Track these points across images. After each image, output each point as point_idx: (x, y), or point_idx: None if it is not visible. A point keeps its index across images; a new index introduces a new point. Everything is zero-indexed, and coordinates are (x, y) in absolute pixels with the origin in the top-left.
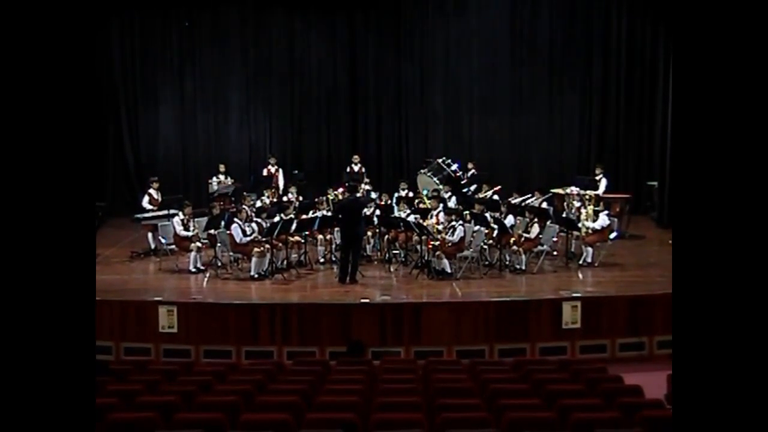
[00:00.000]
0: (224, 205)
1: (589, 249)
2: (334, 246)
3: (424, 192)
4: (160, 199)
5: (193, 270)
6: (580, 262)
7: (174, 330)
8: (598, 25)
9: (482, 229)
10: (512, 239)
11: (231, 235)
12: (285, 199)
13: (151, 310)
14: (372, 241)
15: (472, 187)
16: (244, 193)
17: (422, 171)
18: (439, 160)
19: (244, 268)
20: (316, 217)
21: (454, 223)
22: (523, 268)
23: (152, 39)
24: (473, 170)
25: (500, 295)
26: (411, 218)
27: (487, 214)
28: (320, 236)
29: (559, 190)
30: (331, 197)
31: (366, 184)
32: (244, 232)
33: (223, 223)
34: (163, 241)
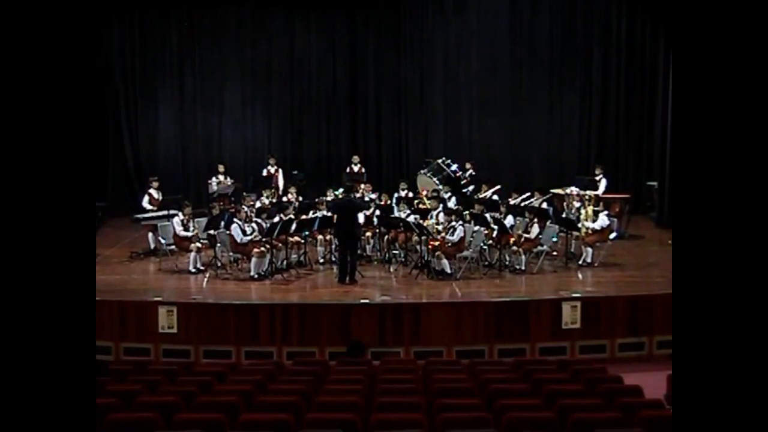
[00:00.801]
0: (224, 205)
1: (589, 249)
2: (333, 246)
3: (427, 189)
4: (160, 199)
5: (193, 270)
6: (580, 262)
7: (174, 330)
8: (597, 25)
9: (482, 229)
10: (512, 239)
11: (231, 236)
12: (285, 199)
13: (151, 311)
14: (372, 241)
15: (472, 188)
16: (244, 194)
17: (422, 171)
18: (439, 161)
19: (243, 268)
20: (316, 217)
21: (453, 223)
22: (523, 268)
23: (152, 39)
24: (471, 170)
25: (500, 295)
26: (411, 218)
27: (487, 215)
28: (320, 236)
29: (559, 191)
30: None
31: (365, 185)
32: (243, 232)
33: (222, 223)
34: (162, 241)
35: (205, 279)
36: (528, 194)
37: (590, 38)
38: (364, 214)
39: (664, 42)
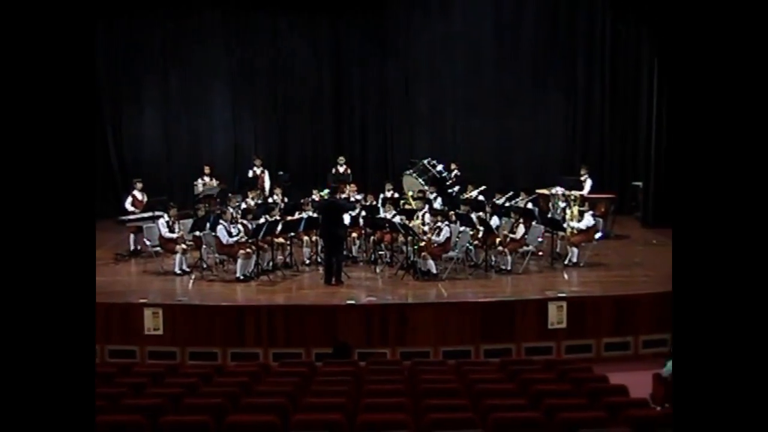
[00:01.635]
0: (209, 206)
1: (575, 249)
2: (319, 247)
3: (413, 189)
4: (144, 200)
5: (179, 272)
6: (566, 262)
7: (159, 332)
8: (581, 26)
9: (468, 229)
10: (498, 240)
11: (216, 237)
12: (270, 200)
13: (137, 313)
14: (358, 242)
15: (457, 188)
16: (230, 195)
17: (407, 172)
18: (425, 161)
19: (229, 269)
20: (302, 218)
21: (439, 223)
22: (509, 268)
23: (136, 40)
24: (457, 171)
25: (486, 295)
26: (396, 219)
27: (473, 215)
28: (306, 237)
29: (545, 191)
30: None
31: (351, 186)
32: (229, 233)
33: (208, 224)
34: (148, 243)
35: (191, 280)
36: (513, 194)
37: (574, 38)
38: (350, 215)
39: (648, 43)
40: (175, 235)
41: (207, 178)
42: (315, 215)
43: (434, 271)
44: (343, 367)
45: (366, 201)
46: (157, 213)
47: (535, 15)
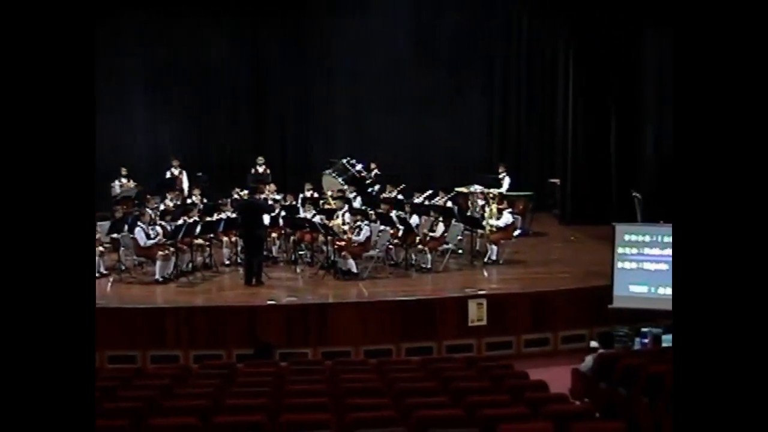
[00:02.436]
0: (127, 208)
1: (494, 247)
2: (239, 248)
3: (332, 189)
4: None
5: (96, 275)
6: (485, 260)
7: None
8: (499, 25)
9: (388, 228)
10: (417, 238)
11: (134, 239)
12: (189, 201)
13: None
14: (278, 242)
15: (377, 187)
16: (148, 196)
17: (327, 172)
18: (344, 161)
19: (148, 271)
20: (221, 219)
21: (359, 223)
22: (429, 267)
23: None
24: (376, 170)
25: (406, 294)
26: (316, 219)
27: (393, 214)
28: (225, 238)
29: (463, 189)
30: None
31: (270, 186)
32: (147, 235)
33: (126, 226)
34: None
35: (109, 283)
36: (432, 193)
37: (492, 37)
38: (270, 215)
39: (564, 41)
40: None
41: (124, 180)
42: (234, 216)
43: (355, 270)
44: (265, 368)
45: (286, 201)
46: None
47: (453, 14)
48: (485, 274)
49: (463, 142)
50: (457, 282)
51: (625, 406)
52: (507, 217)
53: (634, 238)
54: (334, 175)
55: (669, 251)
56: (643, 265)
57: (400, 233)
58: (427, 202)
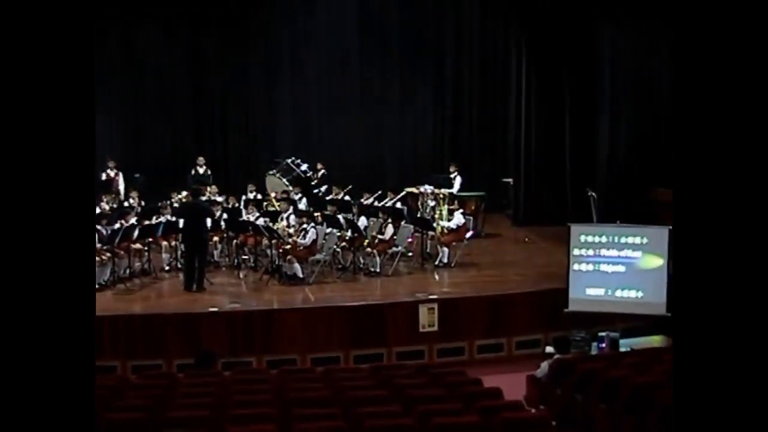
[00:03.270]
0: None
1: (445, 249)
2: (179, 252)
3: (276, 190)
4: None
5: None
6: (436, 262)
7: None
8: (449, 19)
9: (334, 231)
10: (366, 241)
11: None
12: (126, 204)
13: None
14: (220, 246)
15: (323, 188)
16: None
17: (271, 172)
18: (288, 161)
19: None
20: (160, 222)
21: (305, 225)
22: (378, 270)
23: None
24: (323, 170)
25: (355, 299)
26: (260, 221)
27: (340, 216)
28: (165, 243)
29: (413, 189)
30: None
31: (211, 187)
32: None
33: None
34: None
35: None
36: (381, 193)
37: (442, 31)
38: (212, 218)
39: (516, 38)
40: None
41: None
42: (174, 219)
43: (300, 274)
44: (207, 378)
45: (228, 203)
46: None
47: (402, 8)
48: (436, 277)
49: (413, 141)
50: (407, 286)
51: (583, 413)
52: (458, 218)
53: (590, 239)
54: (278, 175)
55: (627, 252)
56: (600, 266)
57: (348, 236)
58: (375, 203)
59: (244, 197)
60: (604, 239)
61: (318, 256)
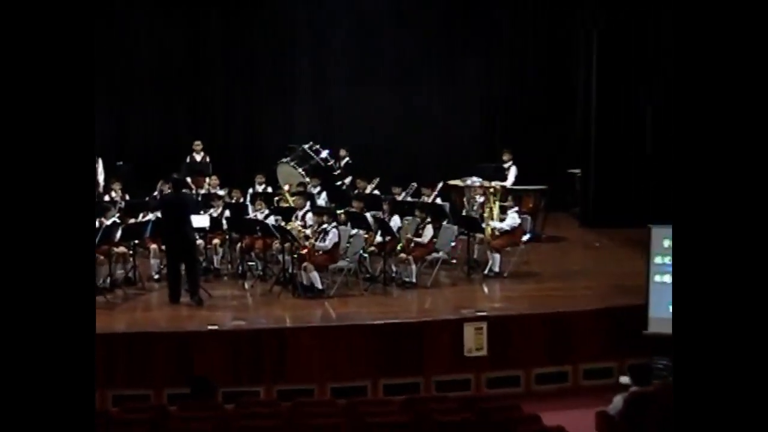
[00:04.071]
0: None
1: (497, 255)
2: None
3: (291, 182)
4: None
5: None
6: (486, 272)
7: None
8: None
9: (361, 232)
10: (399, 245)
11: None
12: (106, 198)
13: None
14: (221, 250)
15: (347, 180)
16: None
17: (284, 160)
18: (305, 147)
19: None
20: (148, 221)
21: (325, 225)
22: (414, 280)
23: None
24: (347, 158)
25: (385, 316)
26: (270, 220)
27: (368, 214)
28: (153, 246)
29: (458, 182)
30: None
31: (211, 178)
32: None
33: None
34: None
35: None
36: (416, 186)
37: None
38: (209, 214)
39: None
40: None
41: None
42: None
43: (319, 285)
44: (204, 412)
45: (231, 197)
46: None
47: None
48: (485, 290)
49: (457, 122)
50: (450, 300)
51: None
52: (513, 218)
53: None
54: (293, 164)
55: None
56: None
57: (377, 238)
58: (410, 199)
59: (250, 191)
60: None
61: (341, 263)
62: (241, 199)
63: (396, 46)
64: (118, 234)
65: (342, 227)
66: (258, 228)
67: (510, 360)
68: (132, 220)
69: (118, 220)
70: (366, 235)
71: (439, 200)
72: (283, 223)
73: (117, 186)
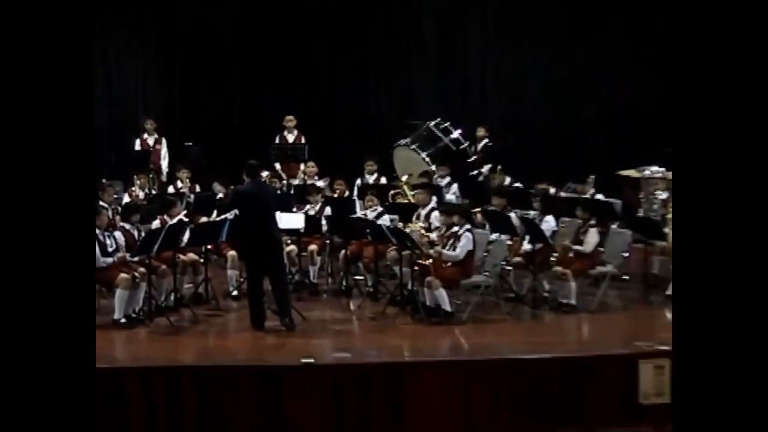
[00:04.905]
0: None
1: None
2: None
3: (411, 172)
4: None
5: None
6: (668, 291)
7: None
8: None
9: (503, 238)
10: (554, 255)
11: None
12: (171, 189)
13: None
14: (318, 259)
15: (486, 169)
16: (103, 181)
17: (402, 142)
18: (431, 124)
19: (102, 307)
20: (225, 219)
21: (456, 228)
22: (573, 302)
23: None
24: (486, 140)
25: (534, 348)
26: (384, 221)
27: (512, 214)
28: (231, 252)
29: (631, 172)
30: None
31: (306, 165)
32: (103, 248)
33: None
34: None
35: None
36: (576, 180)
37: None
38: (305, 213)
39: None
40: None
41: None
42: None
43: (448, 307)
44: None
45: (332, 190)
46: None
47: None
48: (668, 316)
49: (631, 93)
50: (621, 329)
51: None
52: None
53: None
54: (414, 147)
55: None
56: None
57: (525, 246)
58: (569, 194)
59: (358, 182)
60: None
61: (476, 278)
62: (346, 193)
63: None
64: (186, 237)
65: (478, 231)
66: (368, 231)
67: None
68: (203, 219)
69: (185, 218)
70: (510, 242)
71: (600, 196)
72: (400, 225)
73: (184, 174)
